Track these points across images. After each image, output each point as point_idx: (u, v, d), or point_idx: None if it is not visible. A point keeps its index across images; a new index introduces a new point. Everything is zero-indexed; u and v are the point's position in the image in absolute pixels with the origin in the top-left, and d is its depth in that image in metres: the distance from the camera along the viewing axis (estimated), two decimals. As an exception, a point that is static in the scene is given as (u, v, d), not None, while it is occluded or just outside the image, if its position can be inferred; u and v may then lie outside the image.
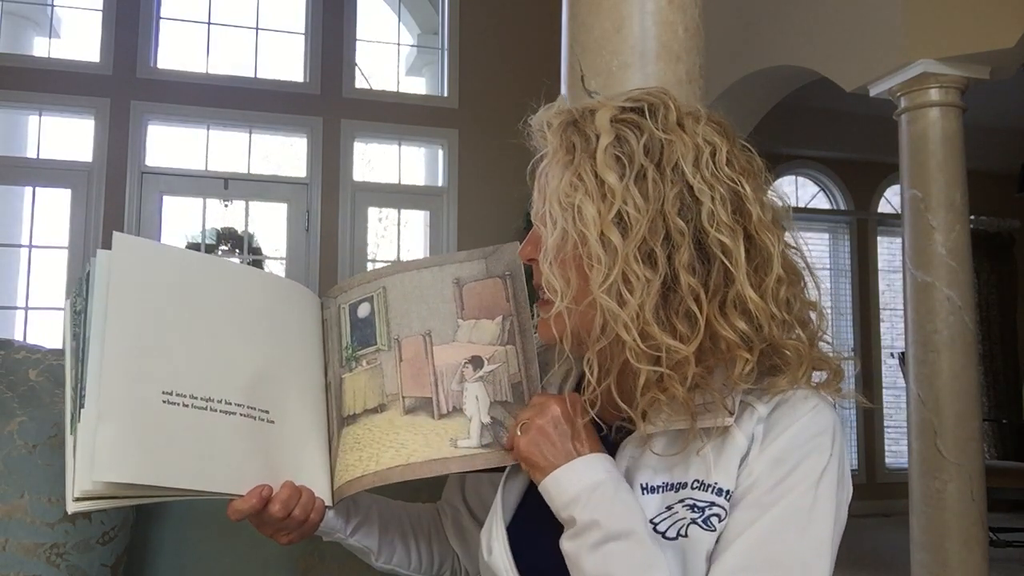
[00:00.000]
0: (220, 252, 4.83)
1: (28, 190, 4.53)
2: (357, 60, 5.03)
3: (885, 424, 6.20)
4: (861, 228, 6.33)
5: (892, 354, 6.00)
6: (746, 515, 0.70)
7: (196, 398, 0.77)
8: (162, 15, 4.80)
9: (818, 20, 3.67)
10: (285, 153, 5.08)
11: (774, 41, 3.89)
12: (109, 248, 0.79)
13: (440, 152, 5.16)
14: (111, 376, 0.74)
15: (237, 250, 4.88)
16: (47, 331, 4.47)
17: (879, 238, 6.39)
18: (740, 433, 0.73)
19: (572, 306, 0.74)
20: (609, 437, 0.79)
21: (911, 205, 3.22)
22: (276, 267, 4.94)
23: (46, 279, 4.52)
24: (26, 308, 4.51)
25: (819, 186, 6.38)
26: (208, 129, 4.80)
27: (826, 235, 6.33)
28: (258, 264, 4.87)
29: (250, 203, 4.87)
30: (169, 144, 4.78)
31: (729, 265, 0.72)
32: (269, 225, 4.96)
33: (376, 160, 5.22)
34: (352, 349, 0.88)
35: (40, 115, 4.57)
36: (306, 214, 4.83)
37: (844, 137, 5.93)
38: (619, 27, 1.51)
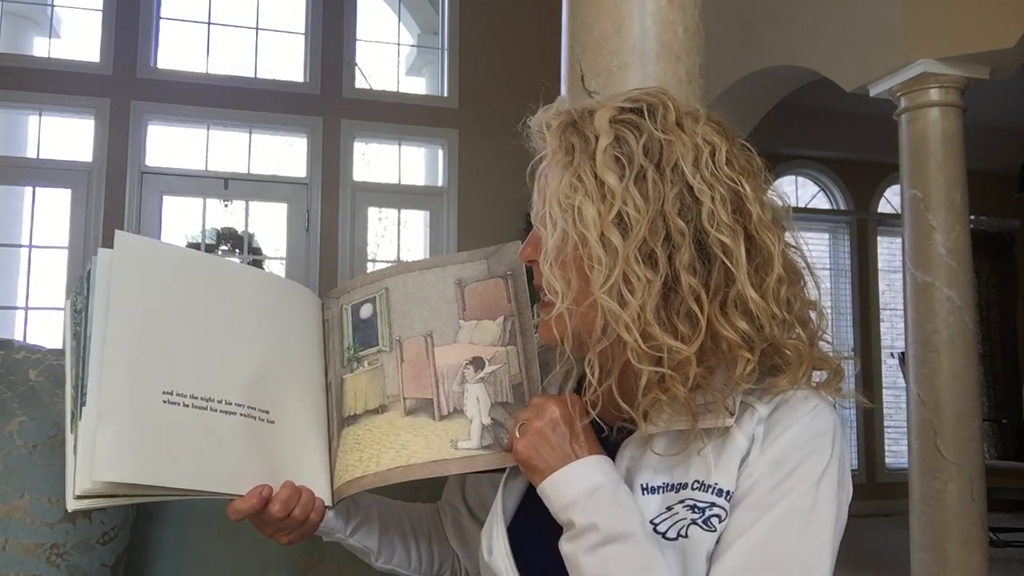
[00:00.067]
0: (220, 252, 4.82)
1: (28, 190, 4.53)
2: (357, 60, 5.03)
3: (885, 424, 6.20)
4: (861, 228, 6.33)
5: (892, 354, 6.00)
6: (746, 516, 0.70)
7: (196, 398, 0.77)
8: (162, 15, 4.80)
9: (818, 20, 3.67)
10: (285, 153, 5.08)
11: (774, 41, 3.89)
12: (110, 247, 0.79)
13: (440, 152, 5.16)
14: (112, 375, 0.74)
15: (237, 250, 4.87)
16: (47, 331, 4.46)
17: (879, 238, 6.39)
18: (740, 434, 0.73)
19: (573, 307, 0.74)
20: (610, 438, 0.79)
21: (911, 205, 3.22)
22: (276, 267, 4.94)
23: (46, 279, 4.52)
24: (26, 308, 4.51)
25: (819, 186, 6.38)
26: (208, 129, 4.80)
27: (826, 235, 6.33)
28: (258, 264, 4.87)
29: (250, 203, 4.87)
30: (169, 144, 4.78)
31: (730, 265, 0.72)
32: (269, 225, 4.96)
33: (376, 160, 5.21)
34: (354, 350, 0.88)
35: (40, 115, 4.57)
36: (306, 214, 4.83)
37: (844, 137, 5.93)
38: (619, 27, 1.51)
